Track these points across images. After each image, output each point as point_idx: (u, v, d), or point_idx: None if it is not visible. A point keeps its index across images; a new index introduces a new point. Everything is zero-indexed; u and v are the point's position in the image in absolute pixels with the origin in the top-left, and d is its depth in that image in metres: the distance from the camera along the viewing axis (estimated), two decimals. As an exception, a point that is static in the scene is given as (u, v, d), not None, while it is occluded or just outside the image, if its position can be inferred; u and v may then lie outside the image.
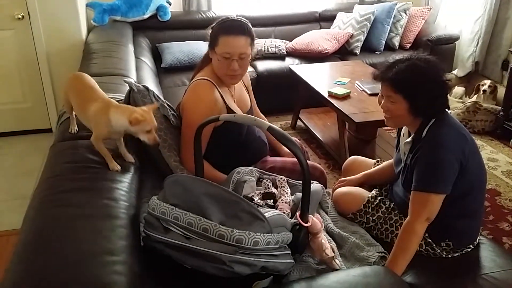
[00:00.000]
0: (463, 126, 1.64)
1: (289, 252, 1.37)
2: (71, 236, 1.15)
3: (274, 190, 1.72)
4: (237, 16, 1.99)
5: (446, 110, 1.63)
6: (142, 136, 1.52)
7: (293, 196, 1.69)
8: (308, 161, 2.09)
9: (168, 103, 1.93)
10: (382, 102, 1.67)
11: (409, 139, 1.68)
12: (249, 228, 1.22)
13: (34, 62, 3.40)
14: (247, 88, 2.14)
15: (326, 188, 2.11)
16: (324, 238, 1.49)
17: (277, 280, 1.42)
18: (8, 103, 3.49)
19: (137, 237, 1.29)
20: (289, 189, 1.74)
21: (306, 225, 1.41)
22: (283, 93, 3.82)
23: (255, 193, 1.69)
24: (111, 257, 1.08)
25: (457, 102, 3.90)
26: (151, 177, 1.74)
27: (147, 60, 3.40)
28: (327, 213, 1.84)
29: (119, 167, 1.53)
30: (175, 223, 1.24)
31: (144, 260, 1.25)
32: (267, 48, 4.04)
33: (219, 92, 1.88)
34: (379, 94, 1.69)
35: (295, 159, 2.04)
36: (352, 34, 4.17)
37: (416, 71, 1.58)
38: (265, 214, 1.31)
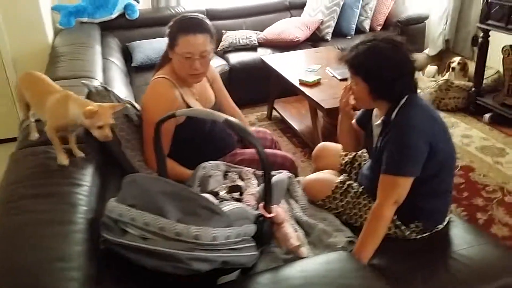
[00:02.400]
0: (432, 108, 1.65)
1: (253, 244, 1.37)
2: (24, 243, 1.13)
3: (240, 183, 1.72)
4: (197, 13, 1.97)
5: (415, 91, 1.63)
6: (94, 131, 1.50)
7: (259, 188, 1.69)
8: (279, 152, 2.10)
9: (132, 103, 1.92)
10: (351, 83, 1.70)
11: (378, 121, 1.68)
12: (208, 224, 1.21)
13: (0, 69, 3.34)
14: (211, 83, 2.12)
15: (297, 176, 2.12)
16: (288, 227, 1.49)
17: (244, 273, 1.42)
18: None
19: (95, 242, 1.28)
20: (255, 181, 1.74)
21: (268, 215, 1.42)
22: (257, 84, 3.80)
23: (222, 187, 1.69)
24: (63, 263, 1.07)
25: (429, 81, 3.92)
26: (115, 178, 1.72)
27: (116, 60, 3.35)
28: (297, 202, 1.85)
29: (67, 162, 1.52)
30: (132, 224, 1.23)
31: (104, 264, 1.24)
32: (238, 40, 4.02)
33: (179, 91, 1.86)
34: None
35: (266, 150, 2.08)
36: (323, 21, 4.16)
37: (375, 53, 1.57)
38: (225, 208, 1.31)
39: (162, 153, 1.60)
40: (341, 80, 3.05)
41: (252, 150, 2.11)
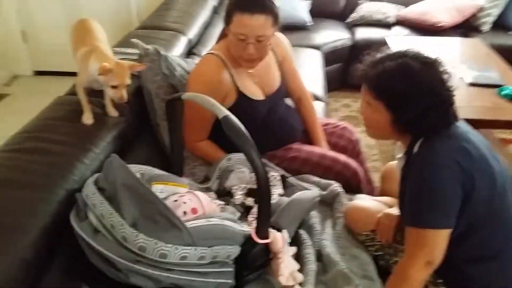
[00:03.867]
0: (472, 134, 1.22)
1: (230, 270, 1.15)
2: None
3: (263, 188, 1.46)
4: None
5: (452, 123, 1.22)
6: (108, 90, 1.40)
7: (277, 200, 1.42)
8: (342, 157, 1.78)
9: (183, 74, 1.76)
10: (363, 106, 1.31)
11: (401, 155, 1.30)
12: (161, 237, 1.02)
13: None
14: (280, 62, 1.84)
15: (361, 191, 1.78)
16: (285, 260, 1.22)
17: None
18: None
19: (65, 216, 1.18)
20: (280, 190, 1.47)
21: (260, 241, 1.17)
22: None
23: (240, 187, 1.46)
24: (12, 234, 1.02)
25: None
26: (138, 150, 1.61)
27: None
28: (334, 226, 1.53)
29: (90, 122, 1.45)
30: (92, 211, 1.11)
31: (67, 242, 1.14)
32: (372, 15, 3.55)
33: (229, 72, 1.64)
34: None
35: (324, 151, 1.77)
36: (482, 7, 3.42)
37: (405, 74, 1.18)
38: (201, 222, 1.10)
39: (178, 133, 1.43)
40: (470, 85, 2.47)
41: (313, 149, 1.82)
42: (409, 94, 1.18)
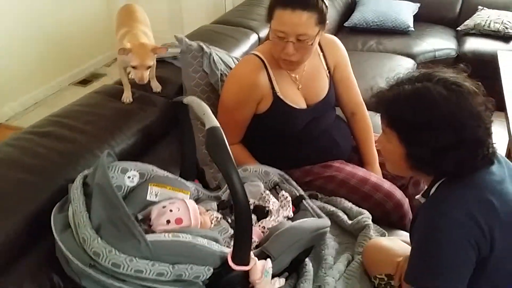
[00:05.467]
0: (502, 188, 0.96)
1: (197, 291, 1.06)
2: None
3: (273, 206, 1.34)
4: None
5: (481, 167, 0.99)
6: (130, 70, 1.45)
7: (279, 223, 1.28)
8: (387, 184, 1.57)
9: (227, 71, 1.69)
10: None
11: (419, 196, 1.10)
12: (118, 245, 0.98)
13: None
14: (333, 69, 1.66)
15: (404, 227, 1.55)
16: (262, 294, 1.09)
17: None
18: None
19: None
20: (288, 212, 1.32)
21: (236, 267, 1.06)
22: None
23: (250, 202, 1.35)
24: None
25: None
26: (166, 145, 1.58)
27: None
28: (350, 261, 1.34)
29: (128, 100, 1.51)
30: (71, 204, 1.10)
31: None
32: (489, 23, 3.09)
33: (269, 74, 1.52)
34: None
35: (368, 175, 1.57)
36: None
37: (421, 101, 0.96)
38: (166, 237, 1.03)
39: (188, 136, 1.37)
40: None
41: (356, 170, 1.62)
42: (424, 126, 0.97)
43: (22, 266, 1.09)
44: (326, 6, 1.43)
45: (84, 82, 3.72)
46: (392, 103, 1.03)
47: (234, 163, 0.99)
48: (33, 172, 1.21)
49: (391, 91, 1.05)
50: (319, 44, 1.63)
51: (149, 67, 1.42)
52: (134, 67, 1.40)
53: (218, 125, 1.04)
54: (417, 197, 1.11)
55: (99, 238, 0.98)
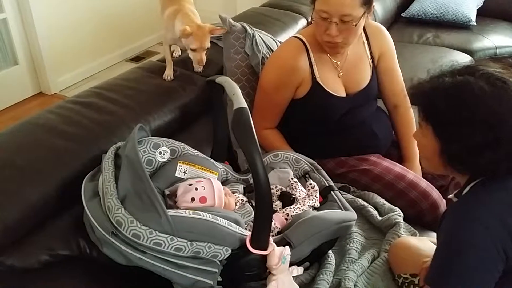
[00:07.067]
0: None
1: (215, 270, 1.06)
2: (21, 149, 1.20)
3: (300, 195, 1.32)
4: None
5: None
6: (189, 52, 1.49)
7: (304, 211, 1.25)
8: (424, 182, 1.52)
9: (269, 54, 1.67)
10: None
11: (451, 195, 1.05)
12: (140, 216, 1.00)
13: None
14: (377, 59, 1.60)
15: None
16: (279, 280, 1.08)
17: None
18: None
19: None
20: (315, 202, 1.30)
21: (254, 251, 1.06)
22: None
23: (276, 187, 1.34)
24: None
25: None
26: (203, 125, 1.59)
27: (379, 3, 2.95)
28: (375, 258, 1.30)
29: (169, 78, 1.55)
30: (101, 174, 1.14)
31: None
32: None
33: (310, 58, 1.49)
34: None
35: (405, 172, 1.52)
36: None
37: (461, 96, 0.90)
38: (188, 213, 1.04)
39: (220, 117, 1.37)
40: None
41: (393, 166, 1.57)
42: (460, 122, 0.92)
43: (53, 228, 1.15)
44: None
45: (137, 59, 3.83)
46: (430, 95, 0.98)
47: (258, 146, 0.98)
48: (70, 140, 1.25)
49: (430, 83, 1.00)
50: (365, 32, 1.58)
51: (208, 48, 1.45)
52: (193, 50, 1.44)
53: (246, 106, 1.03)
54: (449, 196, 1.06)
55: (122, 208, 1.01)
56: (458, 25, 3.00)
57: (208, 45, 1.45)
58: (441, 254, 0.94)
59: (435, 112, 0.97)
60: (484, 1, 3.16)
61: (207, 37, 1.43)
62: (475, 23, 2.99)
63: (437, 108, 0.96)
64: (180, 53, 1.79)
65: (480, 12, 3.08)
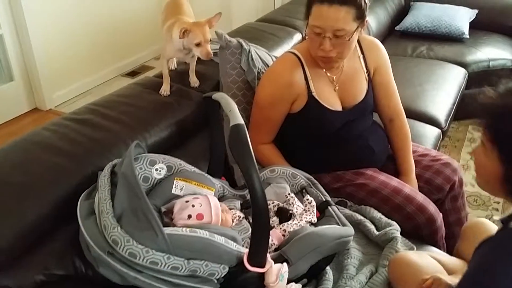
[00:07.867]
0: None
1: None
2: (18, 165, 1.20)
3: (297, 210, 1.31)
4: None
5: None
6: (195, 50, 1.50)
7: (300, 227, 1.25)
8: (420, 196, 1.52)
9: (264, 69, 1.68)
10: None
11: (497, 218, 0.98)
12: (136, 235, 0.99)
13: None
14: (373, 72, 1.61)
15: (436, 244, 1.49)
16: (278, 300, 1.07)
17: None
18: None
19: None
20: (312, 217, 1.29)
21: (251, 268, 1.05)
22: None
23: (273, 203, 1.34)
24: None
25: None
26: (199, 139, 1.59)
27: (377, 16, 2.99)
28: (373, 274, 1.29)
29: (166, 94, 1.56)
30: (97, 191, 1.13)
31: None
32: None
33: (305, 73, 1.50)
34: None
35: (402, 185, 1.52)
36: None
37: None
38: (184, 231, 1.03)
39: (217, 132, 1.37)
40: None
41: (389, 180, 1.57)
42: None
43: (48, 247, 1.13)
44: (365, 2, 1.39)
45: (133, 74, 3.83)
46: (499, 115, 0.88)
47: (255, 162, 0.97)
48: (66, 157, 1.25)
49: (503, 100, 0.89)
50: (360, 46, 1.59)
51: (210, 40, 1.48)
52: (198, 45, 1.46)
53: (243, 122, 1.03)
54: (494, 218, 1.03)
55: (119, 227, 1.00)
56: (451, 38, 3.03)
57: (209, 36, 1.48)
58: (471, 273, 0.88)
59: (503, 134, 0.88)
60: (476, 14, 3.20)
61: (206, 28, 1.47)
62: (468, 36, 3.02)
63: (506, 129, 0.87)
64: (176, 65, 1.80)
65: (473, 25, 3.12)
